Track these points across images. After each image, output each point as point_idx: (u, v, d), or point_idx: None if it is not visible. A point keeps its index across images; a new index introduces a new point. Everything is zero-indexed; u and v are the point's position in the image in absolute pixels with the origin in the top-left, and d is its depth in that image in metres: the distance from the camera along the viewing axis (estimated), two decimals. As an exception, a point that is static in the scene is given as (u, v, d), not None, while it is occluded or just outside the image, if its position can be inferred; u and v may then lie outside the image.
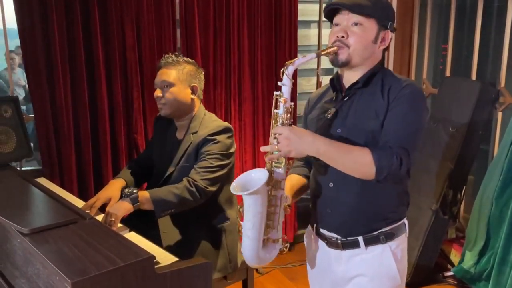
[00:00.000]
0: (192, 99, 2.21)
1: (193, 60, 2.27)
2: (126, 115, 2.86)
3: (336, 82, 1.64)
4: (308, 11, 3.74)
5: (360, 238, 1.58)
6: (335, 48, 1.52)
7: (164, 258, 1.65)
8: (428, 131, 3.29)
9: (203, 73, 2.28)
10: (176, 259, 1.66)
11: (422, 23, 3.68)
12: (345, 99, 1.58)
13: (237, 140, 3.27)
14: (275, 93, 1.51)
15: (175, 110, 2.19)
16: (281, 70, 1.48)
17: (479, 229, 2.95)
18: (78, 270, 1.31)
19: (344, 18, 1.54)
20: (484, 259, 2.91)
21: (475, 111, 3.02)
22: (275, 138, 1.46)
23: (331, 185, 1.59)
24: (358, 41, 1.52)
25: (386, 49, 1.63)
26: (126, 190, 1.99)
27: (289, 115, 1.49)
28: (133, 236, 1.88)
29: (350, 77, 1.60)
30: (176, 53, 2.25)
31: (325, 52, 1.52)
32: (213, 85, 3.11)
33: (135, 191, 1.99)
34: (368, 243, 1.59)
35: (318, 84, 3.79)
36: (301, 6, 3.38)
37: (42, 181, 2.33)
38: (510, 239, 2.70)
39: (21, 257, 1.56)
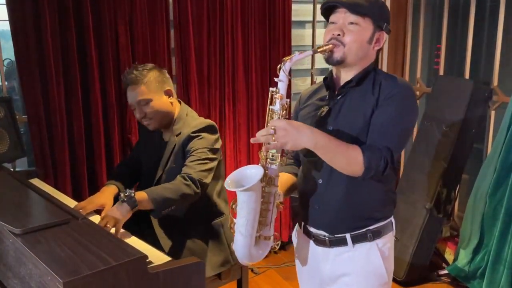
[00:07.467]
0: (171, 103, 2.22)
1: (152, 64, 2.24)
2: (120, 116, 2.86)
3: (329, 81, 1.65)
4: (302, 11, 3.74)
5: (348, 235, 1.59)
6: (330, 45, 1.53)
7: (157, 257, 1.65)
8: (422, 130, 3.31)
9: (166, 71, 2.27)
10: (169, 258, 1.66)
11: (415, 22, 3.69)
12: (338, 98, 1.59)
13: (232, 140, 3.27)
14: (270, 89, 1.50)
15: (162, 121, 2.21)
16: (278, 66, 1.48)
17: (473, 228, 2.96)
18: (69, 270, 1.31)
19: (341, 17, 1.55)
20: (478, 257, 2.92)
21: (468, 110, 3.04)
22: (272, 129, 1.43)
23: (320, 181, 1.60)
24: (354, 39, 1.53)
25: (380, 50, 1.64)
26: (122, 194, 1.92)
27: (285, 111, 1.49)
28: (126, 236, 1.87)
29: (344, 76, 1.61)
30: (134, 64, 2.24)
31: (321, 49, 1.53)
32: (207, 85, 3.11)
33: (132, 194, 1.92)
34: (355, 240, 1.59)
35: (313, 84, 3.79)
36: (295, 6, 3.38)
37: (36, 182, 2.32)
38: (503, 237, 2.71)
39: (13, 257, 1.56)
